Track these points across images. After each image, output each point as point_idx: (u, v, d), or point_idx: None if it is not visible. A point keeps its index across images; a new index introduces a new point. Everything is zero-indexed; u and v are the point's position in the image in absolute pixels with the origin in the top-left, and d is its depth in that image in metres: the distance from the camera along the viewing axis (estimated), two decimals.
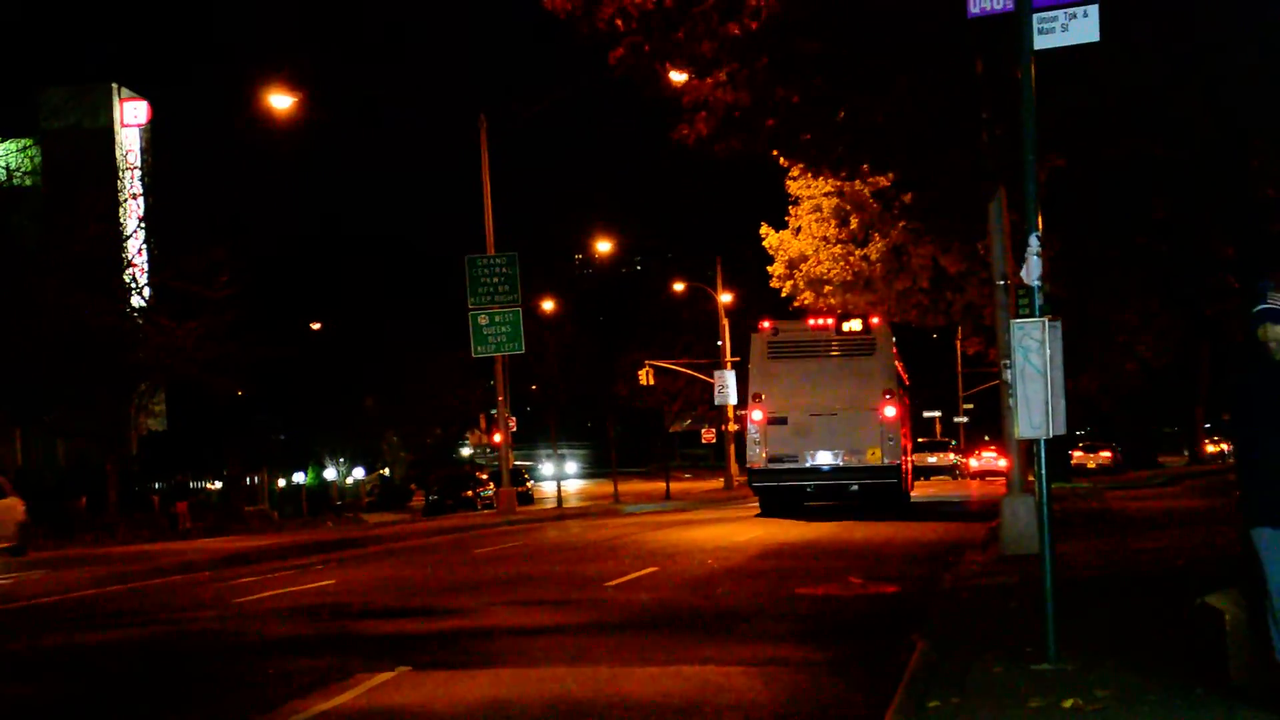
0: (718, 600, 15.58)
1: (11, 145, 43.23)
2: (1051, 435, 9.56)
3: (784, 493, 33.66)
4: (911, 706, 8.32)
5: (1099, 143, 20.38)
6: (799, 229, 40.79)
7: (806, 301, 40.50)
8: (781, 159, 26.30)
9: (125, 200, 43.22)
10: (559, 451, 71.64)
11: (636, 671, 10.86)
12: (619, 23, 18.51)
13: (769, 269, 42.06)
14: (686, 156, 21.71)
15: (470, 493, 56.31)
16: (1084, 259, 28.92)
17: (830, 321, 33.89)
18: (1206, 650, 8.49)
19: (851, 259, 39.04)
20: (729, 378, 57.37)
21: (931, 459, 69.30)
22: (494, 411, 49.95)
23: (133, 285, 42.60)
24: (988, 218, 20.55)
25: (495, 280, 38.15)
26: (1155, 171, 22.06)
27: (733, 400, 57.62)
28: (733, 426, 62.15)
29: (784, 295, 41.58)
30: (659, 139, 22.06)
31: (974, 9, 10.43)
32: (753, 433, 33.71)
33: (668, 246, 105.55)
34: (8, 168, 41.13)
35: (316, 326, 65.59)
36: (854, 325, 33.55)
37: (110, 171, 44.04)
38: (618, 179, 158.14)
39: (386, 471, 72.81)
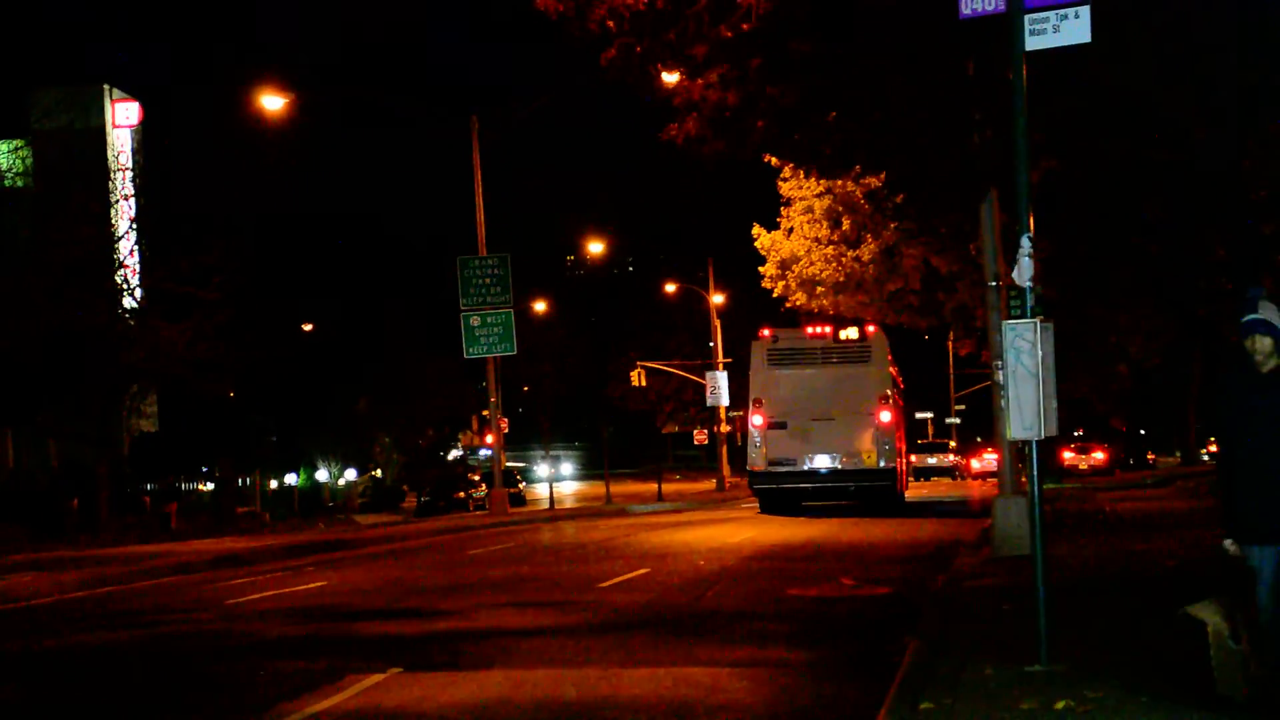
0: (710, 602, 15.58)
1: (3, 146, 43.09)
2: (1043, 437, 9.57)
3: (783, 494, 35.04)
4: (904, 708, 8.31)
5: (1091, 144, 20.40)
6: (791, 230, 40.78)
7: (798, 302, 40.56)
8: (773, 160, 26.32)
9: (117, 201, 43.06)
10: (551, 453, 71.68)
11: (628, 673, 10.85)
12: (611, 24, 18.52)
13: (761, 270, 42.05)
14: (679, 158, 21.73)
15: (462, 494, 56.26)
16: (1076, 260, 28.92)
17: (828, 329, 35.29)
18: (1194, 655, 8.50)
19: (843, 260, 39.06)
20: (721, 379, 57.34)
21: (931, 460, 69.26)
22: (486, 413, 49.88)
23: (125, 286, 42.48)
24: (979, 219, 20.57)
25: (487, 281, 38.23)
26: (1147, 172, 22.07)
27: (725, 401, 57.62)
28: (725, 428, 62.07)
29: (776, 296, 41.59)
30: (651, 140, 22.08)
31: (965, 10, 10.42)
32: (753, 436, 35.09)
33: (660, 247, 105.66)
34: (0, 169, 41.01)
35: (309, 328, 65.50)
36: (851, 333, 35.01)
37: (102, 172, 43.88)
38: (610, 180, 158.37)
39: (379, 473, 72.57)
